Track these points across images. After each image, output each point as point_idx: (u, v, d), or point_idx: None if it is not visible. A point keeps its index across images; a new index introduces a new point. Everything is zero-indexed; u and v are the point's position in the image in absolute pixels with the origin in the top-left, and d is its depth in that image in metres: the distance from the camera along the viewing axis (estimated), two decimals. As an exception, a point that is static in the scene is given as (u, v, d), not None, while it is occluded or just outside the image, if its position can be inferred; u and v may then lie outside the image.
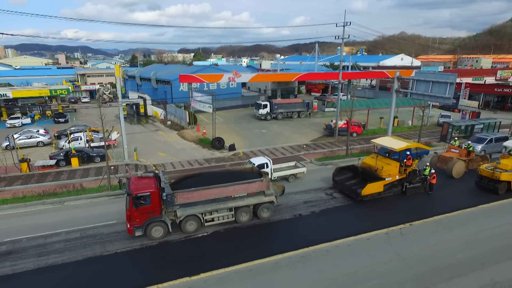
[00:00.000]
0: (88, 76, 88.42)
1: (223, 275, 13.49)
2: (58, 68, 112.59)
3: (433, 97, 24.89)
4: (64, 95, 49.80)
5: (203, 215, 16.60)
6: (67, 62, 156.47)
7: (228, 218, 17.12)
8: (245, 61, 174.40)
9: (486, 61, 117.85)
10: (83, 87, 68.57)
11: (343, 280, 13.12)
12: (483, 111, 50.32)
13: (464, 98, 42.61)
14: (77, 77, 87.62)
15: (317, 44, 52.18)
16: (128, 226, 15.57)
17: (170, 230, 16.09)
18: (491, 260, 14.35)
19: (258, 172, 18.43)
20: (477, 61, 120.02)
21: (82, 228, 17.17)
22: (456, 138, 27.44)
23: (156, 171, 19.91)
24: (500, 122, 35.47)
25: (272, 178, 21.98)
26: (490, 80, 67.20)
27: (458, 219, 18.06)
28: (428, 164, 21.70)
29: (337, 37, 33.54)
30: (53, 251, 15.21)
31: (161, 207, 15.93)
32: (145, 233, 15.72)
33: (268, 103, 44.18)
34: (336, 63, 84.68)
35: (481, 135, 28.78)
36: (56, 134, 35.28)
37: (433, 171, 21.04)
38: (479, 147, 27.05)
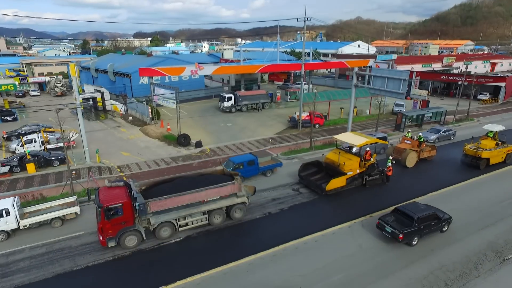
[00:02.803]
0: (35, 65, 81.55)
1: (200, 281, 13.96)
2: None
3: (388, 92, 26.61)
4: (10, 90, 45.68)
5: (177, 221, 16.79)
6: (8, 48, 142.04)
7: (202, 221, 17.47)
8: (205, 46, 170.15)
9: (434, 47, 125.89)
10: (31, 79, 63.03)
11: (312, 276, 14.19)
12: (432, 97, 54.39)
13: (415, 87, 45.75)
14: (23, 66, 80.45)
15: (278, 35, 52.51)
16: (101, 238, 15.37)
17: (144, 238, 16.13)
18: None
19: (229, 175, 18.83)
20: (426, 47, 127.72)
21: (47, 242, 16.60)
22: (409, 130, 29.66)
23: (125, 178, 19.51)
24: (446, 111, 38.84)
25: (21, 227, 17.13)
26: (437, 66, 72.34)
27: (411, 207, 19.96)
28: (391, 157, 24.26)
29: (298, 20, 34.22)
30: (18, 270, 14.63)
31: (134, 216, 15.85)
32: (119, 243, 15.64)
33: (232, 96, 44.07)
34: (297, 50, 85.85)
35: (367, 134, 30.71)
36: (5, 136, 32.64)
37: (389, 164, 22.86)
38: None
